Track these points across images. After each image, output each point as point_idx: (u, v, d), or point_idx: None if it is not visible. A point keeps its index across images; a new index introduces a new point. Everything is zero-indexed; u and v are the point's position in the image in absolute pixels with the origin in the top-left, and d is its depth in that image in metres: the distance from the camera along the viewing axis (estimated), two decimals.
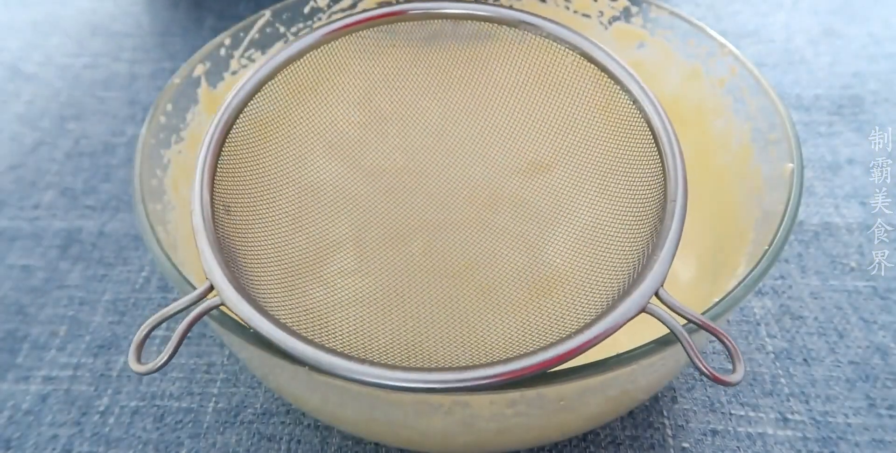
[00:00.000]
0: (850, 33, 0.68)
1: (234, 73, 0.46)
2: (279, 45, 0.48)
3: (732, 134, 0.43)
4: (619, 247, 0.36)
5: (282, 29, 0.48)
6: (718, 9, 0.73)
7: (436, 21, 0.40)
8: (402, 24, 0.40)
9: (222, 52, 0.45)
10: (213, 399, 0.43)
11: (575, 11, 0.50)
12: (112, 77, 0.67)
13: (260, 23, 0.46)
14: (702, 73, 0.45)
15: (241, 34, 0.46)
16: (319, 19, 0.49)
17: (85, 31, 0.74)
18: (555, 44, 0.39)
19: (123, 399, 0.43)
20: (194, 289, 0.32)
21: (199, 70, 0.43)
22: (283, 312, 0.35)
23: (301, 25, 0.48)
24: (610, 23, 0.49)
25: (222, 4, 0.76)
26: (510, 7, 0.39)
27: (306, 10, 0.48)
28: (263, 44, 0.47)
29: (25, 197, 0.56)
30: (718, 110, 0.44)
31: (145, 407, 0.42)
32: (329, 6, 0.49)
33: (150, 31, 0.73)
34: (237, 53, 0.46)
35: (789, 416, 0.41)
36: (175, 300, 0.48)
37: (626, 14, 0.48)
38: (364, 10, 0.39)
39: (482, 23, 0.40)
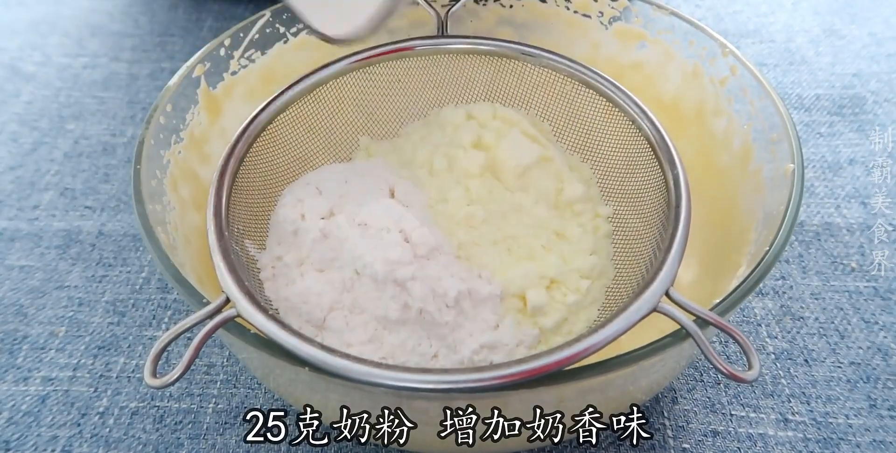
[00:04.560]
0: (850, 33, 0.68)
1: (233, 73, 0.46)
2: (278, 45, 0.48)
3: (733, 134, 0.43)
4: (631, 251, 0.38)
5: (281, 29, 0.48)
6: (719, 9, 0.73)
7: (442, 56, 0.42)
8: (411, 59, 0.43)
9: (222, 52, 0.45)
10: (213, 400, 0.43)
11: (575, 11, 0.50)
12: (111, 77, 0.67)
13: (260, 23, 0.46)
14: (702, 72, 0.45)
15: (241, 34, 0.46)
16: None
17: (84, 31, 0.74)
18: (555, 73, 0.42)
19: (123, 400, 0.43)
20: (194, 289, 0.32)
21: (199, 70, 0.43)
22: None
23: (301, 25, 0.48)
24: (610, 23, 0.49)
25: (222, 5, 0.76)
26: (510, 41, 0.41)
27: None
28: (263, 44, 0.47)
29: (25, 197, 0.56)
30: (719, 110, 0.44)
31: (145, 408, 0.42)
32: None
33: (150, 32, 0.73)
34: (237, 54, 0.46)
35: (790, 417, 0.41)
36: (175, 301, 0.48)
37: (627, 14, 0.48)
38: (374, 47, 0.42)
39: (485, 57, 0.42)
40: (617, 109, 0.39)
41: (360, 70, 0.42)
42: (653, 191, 0.37)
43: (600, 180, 0.43)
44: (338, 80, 0.42)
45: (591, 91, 0.41)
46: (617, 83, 0.40)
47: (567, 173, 0.42)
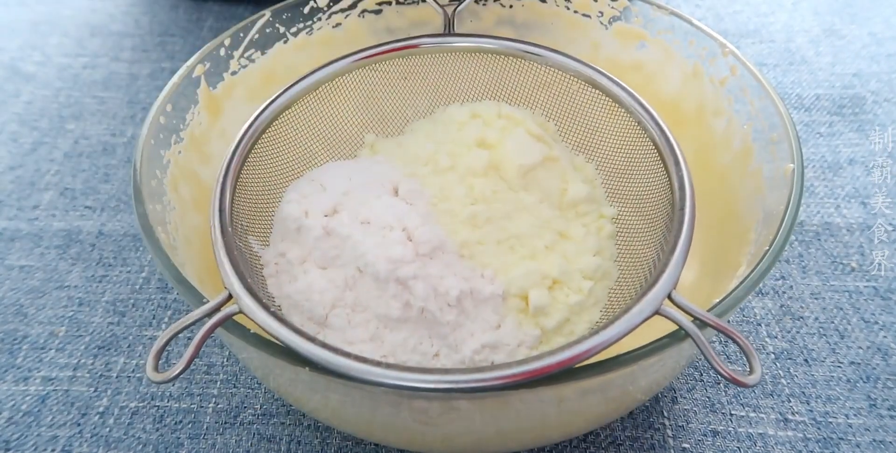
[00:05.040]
0: (850, 33, 0.68)
1: (233, 73, 0.46)
2: (278, 45, 0.48)
3: (733, 134, 0.43)
4: (635, 252, 0.38)
5: (281, 29, 0.48)
6: (719, 9, 0.73)
7: (447, 54, 0.42)
8: (417, 56, 0.43)
9: (222, 52, 0.45)
10: (213, 399, 0.43)
11: (575, 11, 0.50)
12: (111, 77, 0.67)
13: (260, 23, 0.46)
14: (702, 72, 0.45)
15: (241, 34, 0.46)
16: (319, 19, 0.49)
17: (84, 31, 0.74)
18: (561, 72, 0.42)
19: (123, 400, 0.43)
20: (194, 289, 0.32)
21: (199, 70, 0.43)
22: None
23: (301, 25, 0.48)
24: (610, 23, 0.49)
25: (222, 5, 0.76)
26: (517, 40, 0.41)
27: (306, 10, 0.48)
28: (263, 44, 0.47)
29: (25, 197, 0.56)
30: (719, 110, 0.44)
31: (145, 408, 0.42)
32: (329, 6, 0.49)
33: (150, 31, 0.73)
34: (237, 54, 0.46)
35: (790, 417, 0.41)
36: (175, 301, 0.48)
37: (627, 14, 0.48)
38: (380, 44, 0.42)
39: (490, 55, 0.42)
40: (623, 110, 0.39)
41: (366, 67, 0.42)
42: (657, 193, 0.37)
43: (605, 180, 0.43)
44: (343, 78, 0.42)
45: (596, 91, 0.41)
46: (623, 83, 0.39)
47: (572, 173, 0.42)
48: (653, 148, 0.37)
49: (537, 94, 0.44)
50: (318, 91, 0.42)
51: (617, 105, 0.40)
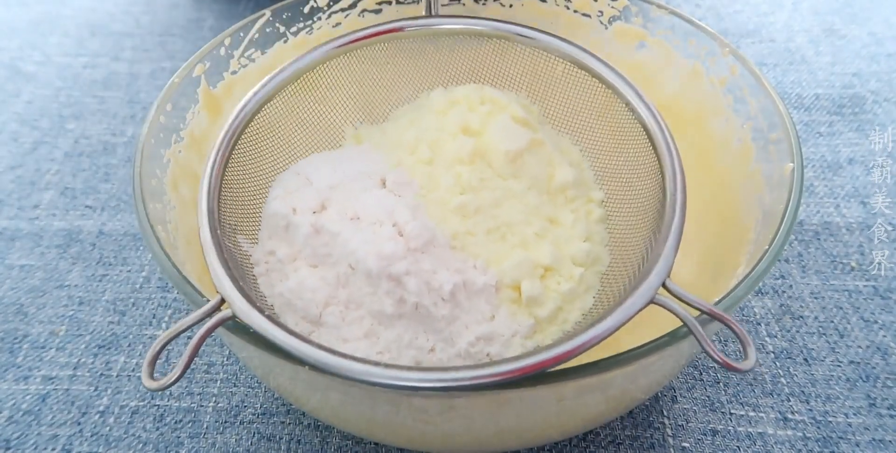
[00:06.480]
0: (850, 33, 0.68)
1: (233, 72, 0.46)
2: (278, 44, 0.48)
3: (733, 133, 0.43)
4: (626, 236, 0.37)
5: (282, 29, 0.48)
6: (719, 8, 0.73)
7: (432, 37, 0.42)
8: (399, 41, 0.42)
9: (222, 51, 0.45)
10: (213, 398, 0.43)
11: (575, 11, 0.50)
12: (111, 77, 0.67)
13: (260, 22, 0.46)
14: (702, 72, 0.45)
15: (241, 34, 0.46)
16: (319, 19, 0.49)
17: (84, 30, 0.74)
18: (547, 54, 0.41)
19: (123, 399, 0.43)
20: (194, 288, 0.32)
21: (199, 70, 0.43)
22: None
23: (301, 25, 0.48)
24: (610, 22, 0.49)
25: (222, 4, 0.76)
26: (505, 21, 0.41)
27: (306, 9, 0.48)
28: (263, 43, 0.47)
29: (25, 197, 0.56)
30: (719, 110, 0.44)
31: (145, 407, 0.42)
32: (329, 6, 0.49)
33: (150, 31, 0.73)
34: (237, 53, 0.46)
35: (790, 416, 0.41)
36: (175, 300, 0.48)
37: (627, 14, 0.48)
38: (362, 29, 0.41)
39: (476, 38, 0.41)
40: (611, 92, 0.38)
41: (348, 54, 0.41)
42: (646, 176, 0.36)
43: (593, 163, 0.42)
44: (325, 65, 0.41)
45: (584, 73, 0.40)
46: (612, 66, 0.39)
47: (558, 157, 0.41)
48: (642, 130, 0.36)
49: (522, 77, 0.43)
50: (300, 80, 0.41)
51: (605, 87, 0.39)
